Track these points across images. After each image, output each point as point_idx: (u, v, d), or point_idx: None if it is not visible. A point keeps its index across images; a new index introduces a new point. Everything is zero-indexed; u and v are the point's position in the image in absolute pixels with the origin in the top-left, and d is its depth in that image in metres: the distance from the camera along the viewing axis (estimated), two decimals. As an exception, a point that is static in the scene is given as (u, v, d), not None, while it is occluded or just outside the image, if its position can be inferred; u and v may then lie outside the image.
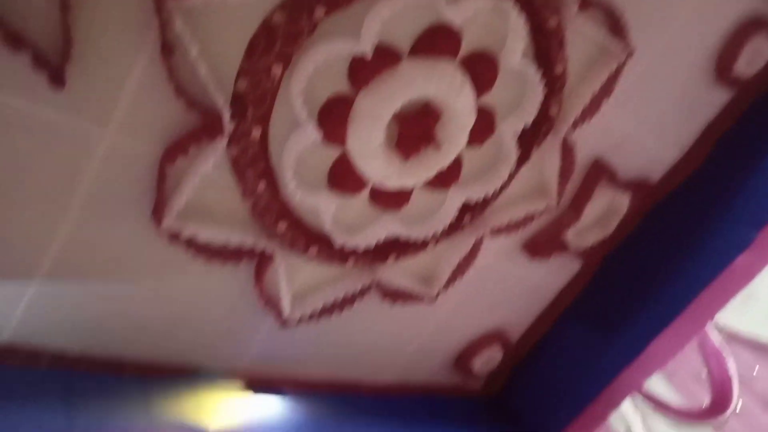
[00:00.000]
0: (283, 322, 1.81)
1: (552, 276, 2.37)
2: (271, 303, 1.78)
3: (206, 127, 1.37)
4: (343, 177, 1.59)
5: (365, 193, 1.67)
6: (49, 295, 1.48)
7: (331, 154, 1.55)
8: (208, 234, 1.54)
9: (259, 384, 1.93)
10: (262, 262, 1.69)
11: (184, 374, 1.79)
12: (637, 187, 2.20)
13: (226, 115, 1.35)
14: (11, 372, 1.53)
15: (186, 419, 1.69)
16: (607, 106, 1.86)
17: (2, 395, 1.48)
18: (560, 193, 1.98)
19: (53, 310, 1.52)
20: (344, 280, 1.87)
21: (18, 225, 1.35)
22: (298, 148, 1.49)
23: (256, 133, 1.41)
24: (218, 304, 1.74)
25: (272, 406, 1.92)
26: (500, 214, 1.96)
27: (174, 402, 1.70)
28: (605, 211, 2.22)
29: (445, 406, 2.45)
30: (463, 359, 2.44)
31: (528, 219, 2.01)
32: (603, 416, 2.44)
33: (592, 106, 1.84)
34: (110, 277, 1.55)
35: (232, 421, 1.76)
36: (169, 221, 1.46)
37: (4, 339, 1.52)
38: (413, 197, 1.75)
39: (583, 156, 1.99)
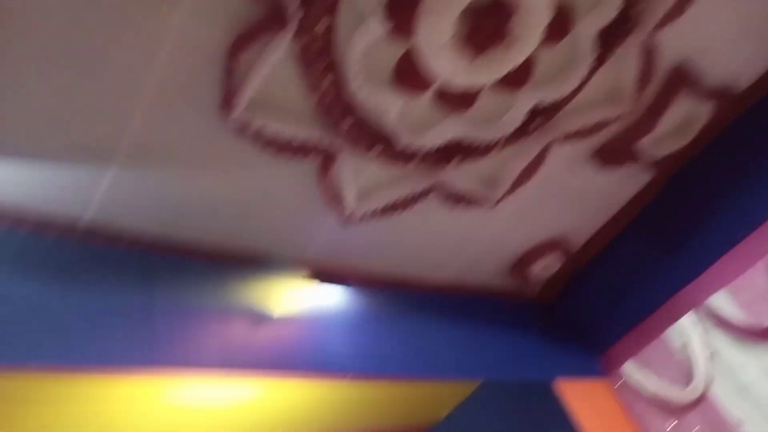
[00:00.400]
0: (346, 219, 1.86)
1: (620, 186, 2.31)
2: (334, 200, 1.82)
3: (273, 18, 1.36)
4: (409, 73, 1.56)
5: (431, 92, 1.64)
6: (126, 179, 1.56)
7: (398, 49, 1.52)
8: (275, 128, 1.56)
9: (323, 275, 2.01)
10: (326, 159, 1.72)
11: (253, 262, 1.89)
12: (721, 96, 2.06)
13: (292, 6, 1.32)
14: (94, 251, 1.64)
15: (253, 304, 1.79)
16: (698, 4, 1.70)
17: (87, 272, 1.60)
18: (637, 100, 1.88)
19: (131, 194, 1.61)
20: (406, 181, 1.88)
21: (95, 107, 1.41)
22: (364, 42, 1.46)
23: (322, 25, 1.39)
24: (284, 197, 1.80)
25: (335, 297, 2.01)
26: (571, 120, 1.89)
27: (242, 287, 1.80)
28: (683, 121, 2.10)
29: (501, 309, 2.50)
30: (521, 264, 2.45)
31: (600, 126, 1.93)
32: (660, 330, 2.43)
33: (681, 4, 1.69)
34: (182, 165, 1.61)
35: (296, 308, 1.86)
36: (238, 113, 1.49)
37: (87, 219, 1.63)
38: (480, 98, 1.70)
39: (665, 59, 1.85)
